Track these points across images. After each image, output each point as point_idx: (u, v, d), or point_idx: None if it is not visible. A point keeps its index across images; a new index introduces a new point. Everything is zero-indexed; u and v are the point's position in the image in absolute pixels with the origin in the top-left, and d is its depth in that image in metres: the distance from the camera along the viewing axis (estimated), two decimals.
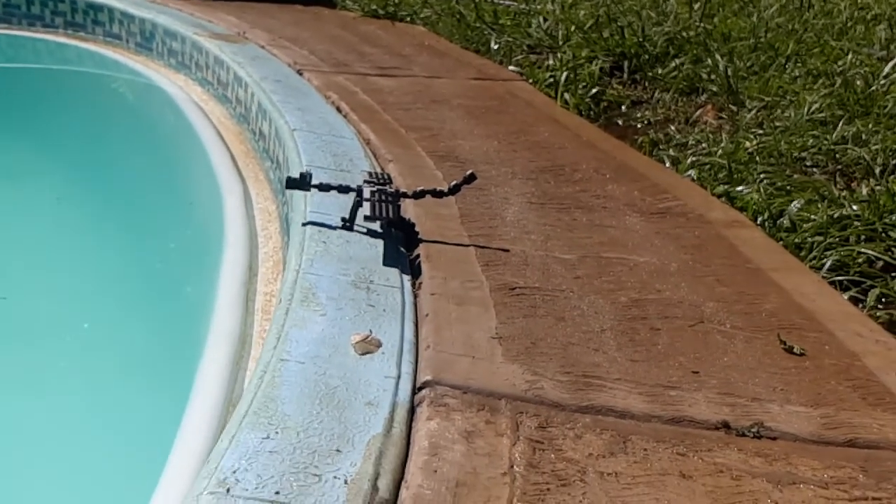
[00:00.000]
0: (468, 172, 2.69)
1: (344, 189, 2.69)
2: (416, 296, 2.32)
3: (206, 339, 2.74)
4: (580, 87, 5.20)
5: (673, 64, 5.46)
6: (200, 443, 2.17)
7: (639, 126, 4.80)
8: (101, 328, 3.05)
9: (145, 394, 2.67)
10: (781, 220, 3.21)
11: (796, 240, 3.05)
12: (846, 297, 2.64)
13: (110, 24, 7.16)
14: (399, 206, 2.67)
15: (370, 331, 2.02)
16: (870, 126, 4.00)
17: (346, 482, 1.49)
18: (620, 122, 4.90)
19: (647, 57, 5.61)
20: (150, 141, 5.36)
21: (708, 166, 3.80)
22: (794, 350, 2.14)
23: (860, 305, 2.66)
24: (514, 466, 1.58)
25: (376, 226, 2.63)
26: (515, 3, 7.63)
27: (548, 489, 1.54)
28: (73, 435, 2.47)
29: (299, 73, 5.02)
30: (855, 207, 3.17)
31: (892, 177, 3.50)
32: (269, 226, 3.55)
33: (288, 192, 2.97)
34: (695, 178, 3.69)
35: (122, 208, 4.20)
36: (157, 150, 5.17)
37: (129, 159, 4.94)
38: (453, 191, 2.72)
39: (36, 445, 2.43)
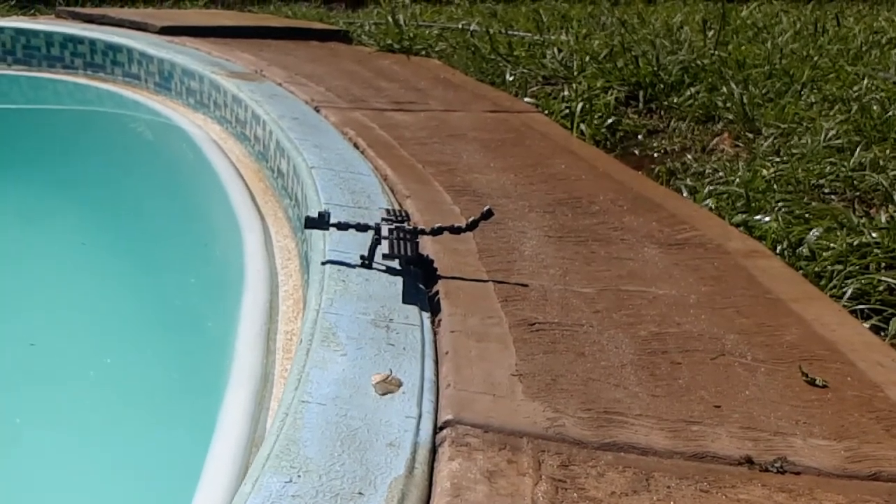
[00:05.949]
0: (486, 208, 2.71)
1: (362, 227, 2.70)
2: (435, 333, 2.32)
3: (228, 378, 2.75)
4: (596, 117, 5.23)
5: (688, 92, 5.48)
6: (224, 485, 2.18)
7: (655, 155, 4.81)
8: (123, 368, 3.07)
9: (168, 434, 2.68)
10: (800, 248, 3.20)
11: (816, 268, 3.04)
12: (867, 326, 2.63)
13: (129, 65, 7.26)
14: (417, 244, 2.68)
15: (390, 370, 2.03)
16: (887, 152, 4.00)
17: None
18: (637, 152, 4.91)
19: (662, 86, 5.63)
20: (170, 180, 5.41)
21: (725, 195, 3.80)
22: (816, 382, 2.13)
23: (882, 334, 2.64)
24: None
25: (395, 263, 2.65)
26: (530, 34, 7.68)
27: None
28: (94, 476, 2.48)
29: (316, 109, 5.06)
30: (874, 235, 3.16)
31: None
32: (289, 264, 3.57)
33: (307, 230, 2.99)
34: (712, 207, 3.69)
35: (143, 247, 4.23)
36: (176, 189, 5.22)
37: (149, 198, 4.98)
38: (471, 227, 2.73)
39: (57, 488, 2.44)
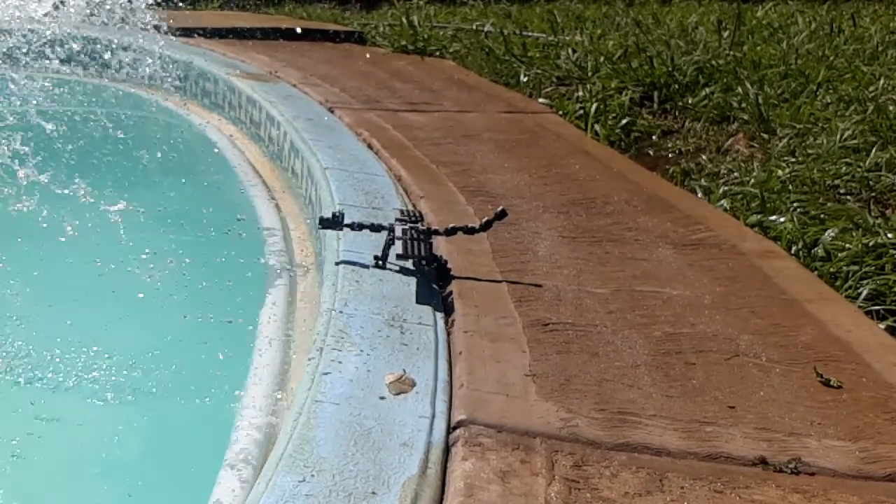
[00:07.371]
0: (499, 209, 2.71)
1: (376, 228, 2.71)
2: (449, 333, 2.33)
3: (246, 376, 2.75)
4: (610, 118, 5.21)
5: (703, 93, 5.46)
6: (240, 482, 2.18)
7: (670, 156, 4.79)
8: (141, 365, 3.08)
9: (186, 432, 2.69)
10: (816, 249, 3.18)
11: (831, 269, 3.02)
12: (883, 327, 2.61)
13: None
14: (431, 244, 2.69)
15: (404, 370, 2.03)
16: None
17: None
18: (651, 153, 4.90)
19: (677, 86, 5.61)
20: (187, 179, 5.42)
21: (740, 196, 3.78)
22: (831, 383, 2.12)
23: None
24: None
25: (409, 264, 2.65)
26: (544, 35, 7.67)
27: None
28: (111, 472, 2.49)
29: (331, 110, 5.07)
30: (890, 235, 3.14)
31: None
32: (306, 260, 3.58)
33: (321, 230, 3.00)
34: (727, 207, 3.68)
35: (165, 242, 4.24)
36: (193, 188, 5.23)
37: (168, 197, 5.00)
38: (485, 227, 2.73)
39: (74, 481, 2.45)
